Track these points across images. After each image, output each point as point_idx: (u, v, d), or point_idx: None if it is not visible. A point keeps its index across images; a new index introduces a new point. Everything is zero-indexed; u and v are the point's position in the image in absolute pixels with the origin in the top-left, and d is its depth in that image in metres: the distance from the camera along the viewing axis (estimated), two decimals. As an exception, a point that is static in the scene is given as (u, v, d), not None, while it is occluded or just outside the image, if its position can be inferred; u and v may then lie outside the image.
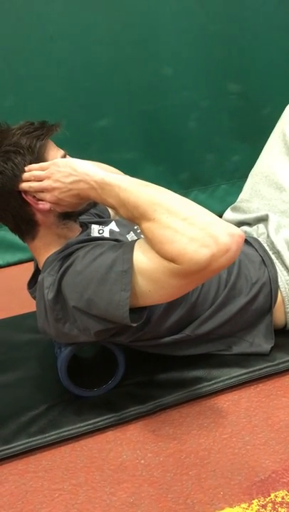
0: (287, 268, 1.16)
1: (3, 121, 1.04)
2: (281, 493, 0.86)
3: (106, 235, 1.12)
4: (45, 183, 0.98)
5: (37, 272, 1.16)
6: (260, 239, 1.23)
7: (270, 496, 0.86)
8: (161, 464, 0.95)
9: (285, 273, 1.16)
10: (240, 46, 2.04)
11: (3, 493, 0.95)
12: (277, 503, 0.84)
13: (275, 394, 1.07)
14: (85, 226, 1.14)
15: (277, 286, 1.15)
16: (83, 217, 1.16)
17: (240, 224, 1.34)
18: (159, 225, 0.88)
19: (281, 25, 2.06)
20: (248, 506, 0.84)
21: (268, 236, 1.22)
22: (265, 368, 1.10)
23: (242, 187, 1.43)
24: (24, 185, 1.00)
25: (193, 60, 2.00)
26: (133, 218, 0.93)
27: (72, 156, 1.06)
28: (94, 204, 1.09)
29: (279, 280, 1.15)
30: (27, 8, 1.79)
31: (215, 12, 1.98)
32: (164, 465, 0.95)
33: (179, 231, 0.87)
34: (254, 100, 2.09)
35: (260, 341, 1.14)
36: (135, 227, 1.16)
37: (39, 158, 1.01)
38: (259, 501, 0.85)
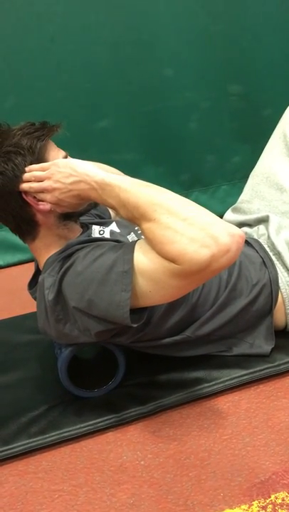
0: (287, 269, 1.16)
1: (4, 122, 1.04)
2: (281, 494, 0.86)
3: (107, 235, 1.12)
4: (45, 184, 0.98)
5: (37, 272, 1.16)
6: (260, 240, 1.23)
7: (270, 497, 0.86)
8: (162, 465, 0.95)
9: (285, 274, 1.16)
10: (241, 47, 2.04)
11: (3, 493, 0.95)
12: (277, 504, 0.84)
13: (275, 395, 1.07)
14: (86, 227, 1.14)
15: (278, 288, 1.15)
16: (84, 218, 1.16)
17: (240, 225, 1.34)
18: (159, 225, 0.88)
19: (282, 26, 2.06)
20: (248, 508, 0.84)
21: (269, 237, 1.22)
22: (265, 369, 1.10)
23: (243, 188, 1.43)
24: (25, 186, 1.00)
25: (194, 61, 2.00)
26: (133, 219, 0.93)
27: (72, 156, 1.06)
28: (94, 205, 1.09)
29: (279, 281, 1.15)
30: (27, 8, 1.79)
31: (216, 13, 1.98)
32: (164, 466, 0.95)
33: (179, 231, 0.86)
34: (255, 101, 2.09)
35: (260, 342, 1.14)
36: (136, 228, 1.16)
37: (40, 158, 1.01)
38: (259, 503, 0.85)
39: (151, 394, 1.09)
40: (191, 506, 0.86)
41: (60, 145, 1.07)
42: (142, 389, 1.11)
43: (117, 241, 1.05)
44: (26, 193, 1.01)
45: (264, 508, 0.84)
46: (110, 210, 1.30)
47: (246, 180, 1.43)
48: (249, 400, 1.06)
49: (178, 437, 1.01)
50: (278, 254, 1.18)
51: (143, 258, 0.92)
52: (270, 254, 1.19)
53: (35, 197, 1.01)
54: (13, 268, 1.96)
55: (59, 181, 0.97)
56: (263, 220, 1.29)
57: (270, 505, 0.84)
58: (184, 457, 0.96)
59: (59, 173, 0.97)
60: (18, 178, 1.00)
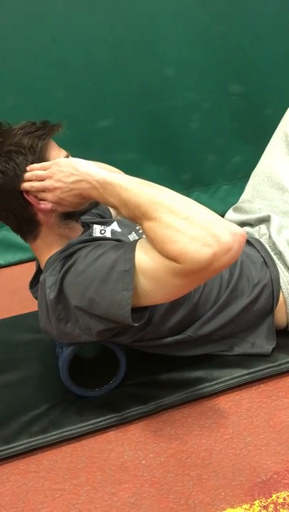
0: (288, 269, 1.16)
1: (5, 121, 1.04)
2: (283, 494, 0.86)
3: (108, 235, 1.12)
4: (46, 183, 0.98)
5: (39, 271, 1.16)
6: (261, 240, 1.23)
7: (271, 496, 0.86)
8: (163, 464, 0.95)
9: (286, 274, 1.16)
10: (242, 47, 2.04)
11: (5, 492, 0.95)
12: (278, 504, 0.84)
13: (276, 395, 1.07)
14: (87, 226, 1.14)
15: (279, 287, 1.15)
16: (85, 218, 1.16)
17: (241, 225, 1.34)
18: (160, 224, 0.88)
19: (283, 26, 2.06)
20: (250, 507, 0.84)
21: (270, 237, 1.22)
22: (266, 368, 1.10)
23: (244, 188, 1.43)
24: (26, 185, 1.00)
25: (195, 61, 2.00)
26: (134, 218, 0.93)
27: (74, 156, 1.06)
28: (95, 204, 1.09)
29: (281, 281, 1.15)
30: (29, 8, 1.79)
31: (217, 13, 1.98)
32: (166, 465, 0.95)
33: (180, 230, 0.86)
34: (256, 101, 2.09)
35: (261, 342, 1.14)
36: (137, 228, 1.16)
37: (41, 158, 1.01)
38: (261, 502, 0.85)
39: (152, 393, 1.09)
40: (192, 506, 0.86)
41: (62, 144, 1.07)
42: (143, 388, 1.11)
43: (119, 240, 1.05)
44: (28, 192, 1.01)
45: (265, 507, 0.84)
46: (111, 210, 1.30)
47: (247, 180, 1.43)
48: (250, 400, 1.06)
49: (179, 437, 1.01)
50: (279, 254, 1.18)
51: (144, 257, 0.92)
52: (272, 253, 1.19)
53: (36, 196, 1.01)
54: (14, 267, 1.96)
55: (60, 180, 0.97)
56: (264, 220, 1.29)
57: (272, 505, 0.84)
58: (186, 456, 0.96)
59: (60, 172, 0.97)
60: (19, 178, 1.00)
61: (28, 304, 1.42)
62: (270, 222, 1.25)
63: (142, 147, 2.03)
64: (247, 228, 1.33)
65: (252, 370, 1.10)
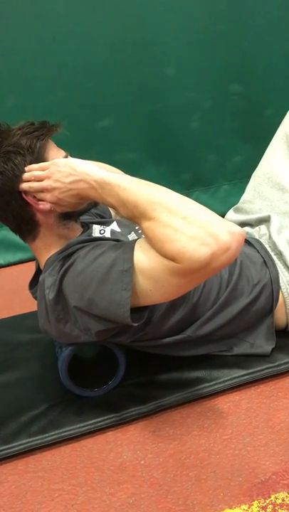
0: (288, 269, 1.16)
1: (4, 122, 1.04)
2: (281, 494, 0.86)
3: (107, 235, 1.12)
4: (45, 183, 0.98)
5: (38, 272, 1.16)
6: (261, 240, 1.23)
7: (270, 497, 0.85)
8: (162, 464, 0.95)
9: (286, 274, 1.16)
10: (243, 47, 2.04)
11: (3, 492, 0.95)
12: (277, 504, 0.84)
13: (275, 395, 1.07)
14: (86, 226, 1.14)
15: (279, 287, 1.15)
16: (84, 218, 1.16)
17: (242, 225, 1.34)
18: (158, 224, 0.88)
19: (283, 25, 2.05)
20: (248, 508, 0.84)
21: (270, 237, 1.22)
22: (265, 369, 1.10)
23: (244, 188, 1.43)
24: (24, 186, 1.00)
25: (196, 61, 2.00)
26: (133, 217, 0.93)
27: (73, 156, 1.05)
28: (94, 204, 1.09)
29: (280, 281, 1.15)
30: (29, 8, 1.79)
31: (217, 12, 1.98)
32: (164, 466, 0.95)
33: (178, 230, 0.86)
34: (256, 101, 2.09)
35: (261, 342, 1.14)
36: (136, 228, 1.16)
37: (39, 158, 1.01)
38: (259, 503, 0.85)
39: (151, 393, 1.08)
40: (190, 506, 0.86)
41: (61, 145, 1.07)
42: (142, 388, 1.11)
43: (118, 240, 1.05)
44: (26, 192, 1.00)
45: (264, 508, 0.84)
46: (111, 210, 1.30)
47: (247, 180, 1.43)
48: (249, 400, 1.06)
49: (178, 437, 1.00)
50: (279, 254, 1.18)
51: (143, 257, 0.92)
52: (271, 254, 1.19)
53: (35, 197, 1.01)
54: (13, 267, 1.96)
55: (58, 181, 0.97)
56: (265, 220, 1.29)
57: (270, 506, 0.84)
58: (184, 457, 0.96)
59: (58, 172, 0.97)
60: (17, 178, 1.00)
61: (28, 304, 1.42)
62: (270, 223, 1.25)
63: (142, 147, 2.03)
64: (247, 228, 1.33)
65: (251, 370, 1.10)
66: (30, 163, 1.00)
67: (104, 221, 1.21)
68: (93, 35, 1.87)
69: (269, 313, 1.14)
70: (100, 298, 0.95)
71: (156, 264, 0.90)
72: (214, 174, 2.15)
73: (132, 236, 1.14)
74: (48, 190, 0.98)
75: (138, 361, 1.16)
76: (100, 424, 1.04)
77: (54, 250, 1.06)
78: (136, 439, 1.02)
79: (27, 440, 1.02)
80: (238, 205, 1.40)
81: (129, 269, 0.92)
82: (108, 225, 1.16)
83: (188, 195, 0.92)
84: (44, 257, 1.07)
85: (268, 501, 0.85)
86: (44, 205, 1.01)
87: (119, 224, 1.17)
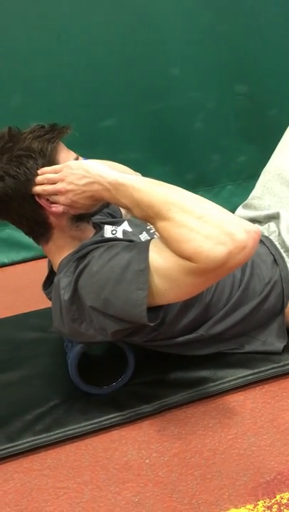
0: (298, 266, 1.16)
1: (14, 127, 1.03)
2: (287, 494, 0.86)
3: (119, 235, 1.12)
4: (59, 186, 0.97)
5: (51, 273, 1.16)
6: (271, 237, 1.23)
7: (275, 497, 0.85)
8: (166, 463, 0.95)
9: (296, 271, 1.16)
10: (247, 47, 2.04)
11: (9, 490, 0.95)
12: (282, 504, 0.84)
13: (280, 395, 1.07)
14: (98, 227, 1.14)
15: None
16: (96, 218, 1.16)
17: (250, 221, 1.33)
18: (174, 224, 0.88)
19: (288, 26, 2.06)
20: (254, 507, 0.84)
21: (279, 234, 1.21)
22: (270, 369, 1.10)
23: (248, 188, 1.43)
24: (38, 189, 1.00)
25: (200, 61, 2.00)
26: (148, 218, 0.93)
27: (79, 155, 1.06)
28: (107, 205, 1.09)
29: None
30: (33, 8, 1.80)
31: (221, 13, 1.98)
32: (169, 465, 0.95)
33: (194, 229, 0.86)
34: (260, 101, 2.09)
35: (272, 340, 1.14)
36: (148, 227, 1.16)
37: (51, 161, 1.01)
38: (264, 502, 0.85)
39: (156, 393, 1.09)
40: (196, 505, 0.86)
41: (66, 145, 1.07)
42: (147, 388, 1.11)
43: (130, 241, 1.05)
44: (39, 195, 1.00)
45: (269, 508, 0.84)
46: (121, 209, 1.29)
47: (251, 181, 1.43)
48: (254, 400, 1.06)
49: (183, 436, 1.01)
50: None
51: (158, 257, 0.92)
52: (281, 251, 1.18)
53: (48, 199, 1.01)
54: (17, 266, 1.96)
55: (72, 183, 0.96)
56: (274, 217, 1.28)
57: (276, 505, 0.84)
58: (189, 456, 0.96)
59: (72, 174, 0.97)
60: (30, 182, 1.00)
61: (32, 303, 1.43)
62: (280, 220, 1.24)
63: (146, 147, 2.03)
64: (256, 226, 1.32)
65: (256, 370, 1.10)
66: (43, 167, 1.00)
67: (116, 221, 1.20)
68: (97, 35, 1.87)
69: (280, 312, 1.14)
70: (115, 298, 0.95)
71: (171, 263, 0.90)
72: (218, 174, 2.15)
73: (143, 236, 1.14)
74: (62, 193, 0.98)
75: (143, 360, 1.16)
76: (104, 422, 1.04)
77: (67, 252, 1.06)
78: (141, 438, 1.02)
79: (32, 438, 1.02)
80: (247, 201, 1.40)
81: (145, 268, 0.92)
82: (119, 225, 1.16)
83: (192, 195, 0.92)
84: (58, 259, 1.07)
85: (273, 501, 0.85)
86: (57, 208, 1.01)
87: (130, 224, 1.17)
